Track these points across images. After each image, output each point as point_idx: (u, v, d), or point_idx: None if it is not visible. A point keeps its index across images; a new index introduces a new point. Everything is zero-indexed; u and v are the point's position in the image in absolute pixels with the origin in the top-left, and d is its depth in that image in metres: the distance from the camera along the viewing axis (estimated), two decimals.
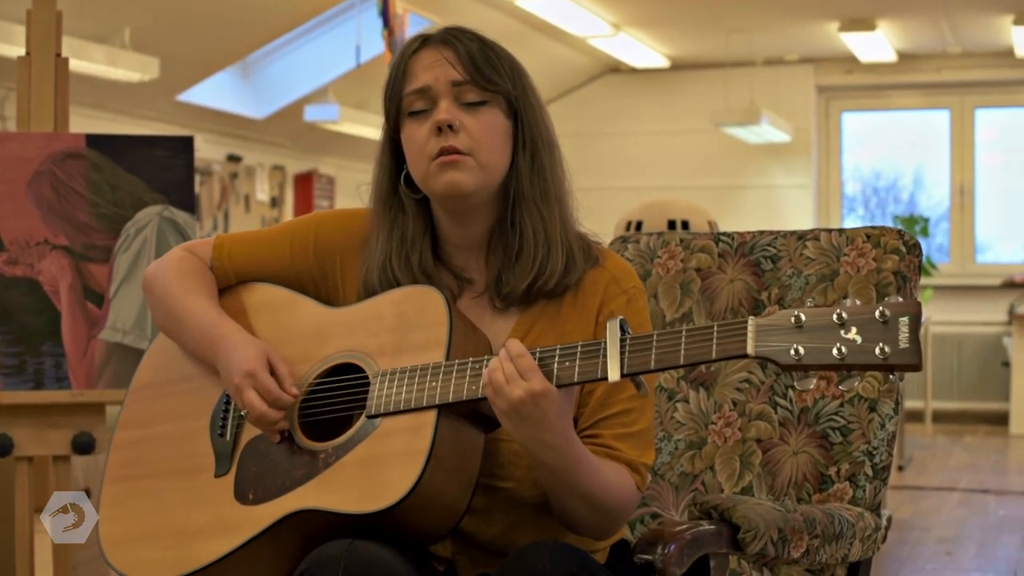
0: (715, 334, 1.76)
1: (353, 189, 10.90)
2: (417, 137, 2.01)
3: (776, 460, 2.42)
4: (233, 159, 9.68)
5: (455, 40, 2.03)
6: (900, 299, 1.69)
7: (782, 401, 2.44)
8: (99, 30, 7.34)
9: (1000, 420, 10.23)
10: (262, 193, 10.02)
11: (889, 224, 10.50)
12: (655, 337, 1.80)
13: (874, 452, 2.36)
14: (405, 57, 2.05)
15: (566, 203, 2.08)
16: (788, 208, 11.29)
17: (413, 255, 2.05)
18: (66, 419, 3.22)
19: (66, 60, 3.37)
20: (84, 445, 3.22)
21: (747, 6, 9.37)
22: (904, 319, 1.66)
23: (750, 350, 1.73)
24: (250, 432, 2.04)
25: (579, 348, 1.85)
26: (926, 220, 10.46)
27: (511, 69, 2.05)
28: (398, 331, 1.99)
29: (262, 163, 10.04)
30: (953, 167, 11.21)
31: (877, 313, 1.67)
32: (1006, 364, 10.27)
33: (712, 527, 2.00)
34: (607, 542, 2.08)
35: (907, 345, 1.65)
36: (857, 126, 11.80)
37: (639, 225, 4.58)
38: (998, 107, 11.24)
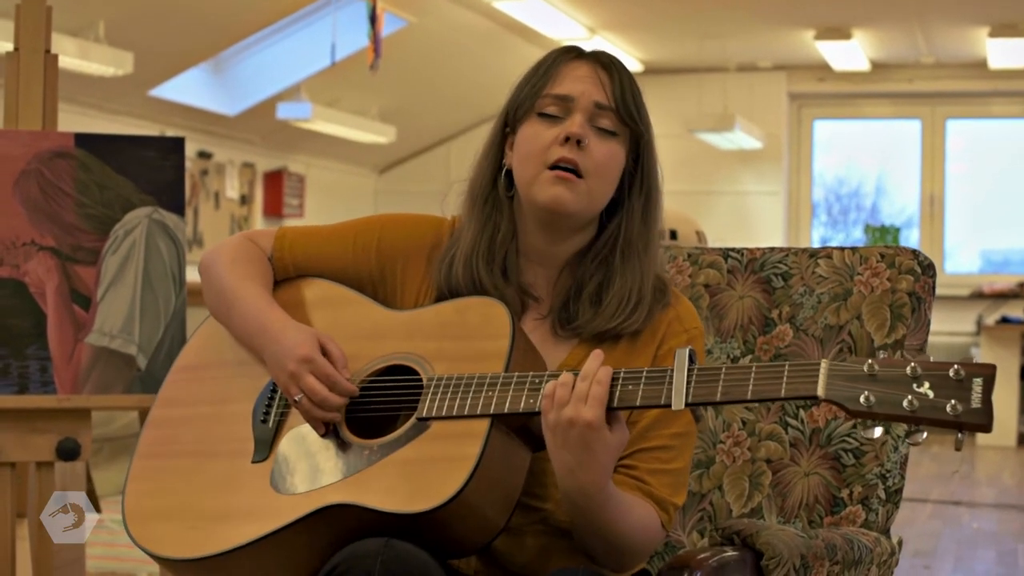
0: (786, 373, 1.74)
1: (323, 187, 10.82)
2: (540, 138, 1.99)
3: (787, 481, 2.38)
4: (203, 156, 9.60)
5: (613, 66, 2.03)
6: (976, 359, 1.69)
7: (793, 421, 2.40)
8: (73, 23, 7.25)
9: None
10: (232, 190, 9.93)
11: (858, 231, 10.51)
12: (724, 370, 1.78)
13: (887, 475, 2.33)
14: (558, 61, 2.03)
15: (658, 253, 2.06)
16: (759, 215, 11.28)
17: (498, 257, 2.02)
18: (50, 424, 3.14)
19: (55, 57, 3.29)
20: (68, 451, 3.14)
21: (723, 12, 9.36)
22: (979, 380, 1.65)
23: (820, 392, 1.70)
24: (294, 421, 1.99)
25: (644, 373, 1.82)
26: (897, 230, 10.49)
27: (647, 113, 2.04)
28: (458, 339, 1.96)
29: (232, 160, 9.96)
30: (923, 177, 11.24)
31: (952, 371, 1.66)
32: None
33: (735, 553, 1.96)
34: (630, 573, 2.04)
35: (979, 406, 1.64)
36: (825, 133, 11.83)
37: None
38: (969, 118, 11.28)
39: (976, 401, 1.63)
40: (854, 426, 2.36)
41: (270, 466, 1.97)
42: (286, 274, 2.15)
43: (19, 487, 3.38)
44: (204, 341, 2.18)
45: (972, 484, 8.21)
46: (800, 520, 2.35)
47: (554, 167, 1.96)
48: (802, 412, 2.40)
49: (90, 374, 3.16)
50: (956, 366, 1.65)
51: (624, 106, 2.00)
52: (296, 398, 1.95)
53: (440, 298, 2.04)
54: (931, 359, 1.68)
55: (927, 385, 1.66)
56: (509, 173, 2.04)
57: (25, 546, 3.29)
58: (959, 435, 1.68)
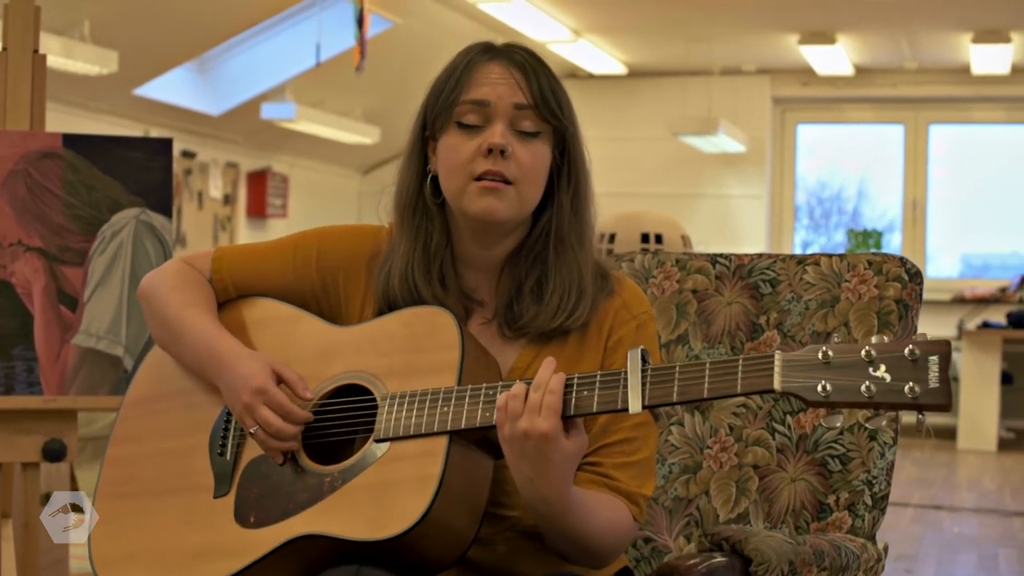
0: (740, 368, 1.72)
1: (307, 187, 10.76)
2: (462, 151, 1.94)
3: (773, 487, 2.39)
4: (187, 155, 9.58)
5: (527, 64, 1.97)
6: (928, 336, 1.66)
7: (780, 427, 2.41)
8: (58, 21, 7.23)
9: (948, 435, 10.29)
10: (215, 190, 9.92)
11: (840, 235, 10.52)
12: (678, 369, 1.75)
13: (873, 481, 2.34)
14: (473, 64, 1.98)
15: (593, 242, 2.03)
16: (741, 218, 11.31)
17: (434, 266, 1.99)
18: (37, 425, 3.13)
19: (43, 57, 3.28)
20: (55, 452, 3.14)
21: (707, 16, 9.38)
22: (934, 358, 1.63)
23: (777, 385, 1.69)
24: (252, 452, 1.97)
25: (599, 377, 1.79)
26: (879, 234, 10.52)
27: (569, 104, 1.99)
28: (408, 352, 1.93)
29: (216, 159, 9.94)
30: (906, 181, 11.28)
31: (907, 351, 1.64)
32: (954, 379, 10.33)
33: (724, 559, 1.97)
34: (611, 569, 2.04)
35: (937, 385, 1.62)
36: (808, 137, 11.87)
37: (612, 237, 4.55)
38: (952, 123, 11.33)
39: (933, 381, 1.62)
40: (841, 432, 2.37)
41: (232, 500, 1.95)
42: (227, 295, 2.11)
43: (4, 487, 3.37)
44: (154, 371, 2.14)
45: (952, 488, 8.23)
46: (787, 526, 2.36)
47: (480, 178, 1.92)
48: (789, 418, 2.41)
49: (76, 375, 3.16)
50: (911, 346, 1.63)
51: (544, 104, 1.95)
52: (251, 430, 1.93)
53: (381, 311, 2.01)
54: (885, 340, 1.66)
55: (883, 368, 1.64)
56: (435, 179, 2.00)
57: (9, 547, 3.28)
58: (919, 416, 1.68)
